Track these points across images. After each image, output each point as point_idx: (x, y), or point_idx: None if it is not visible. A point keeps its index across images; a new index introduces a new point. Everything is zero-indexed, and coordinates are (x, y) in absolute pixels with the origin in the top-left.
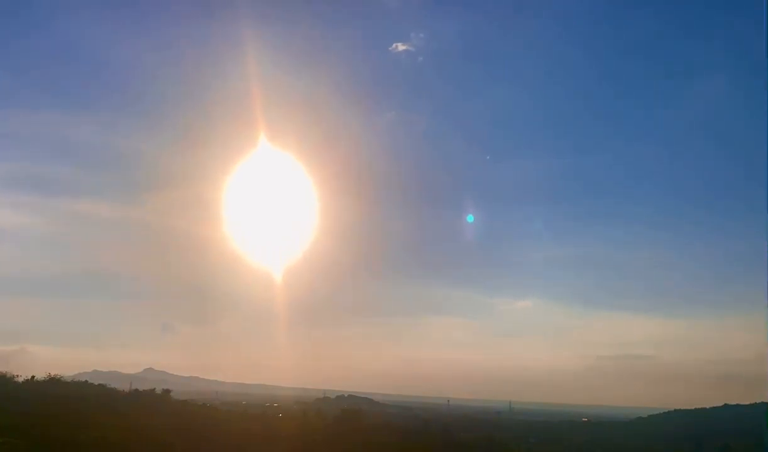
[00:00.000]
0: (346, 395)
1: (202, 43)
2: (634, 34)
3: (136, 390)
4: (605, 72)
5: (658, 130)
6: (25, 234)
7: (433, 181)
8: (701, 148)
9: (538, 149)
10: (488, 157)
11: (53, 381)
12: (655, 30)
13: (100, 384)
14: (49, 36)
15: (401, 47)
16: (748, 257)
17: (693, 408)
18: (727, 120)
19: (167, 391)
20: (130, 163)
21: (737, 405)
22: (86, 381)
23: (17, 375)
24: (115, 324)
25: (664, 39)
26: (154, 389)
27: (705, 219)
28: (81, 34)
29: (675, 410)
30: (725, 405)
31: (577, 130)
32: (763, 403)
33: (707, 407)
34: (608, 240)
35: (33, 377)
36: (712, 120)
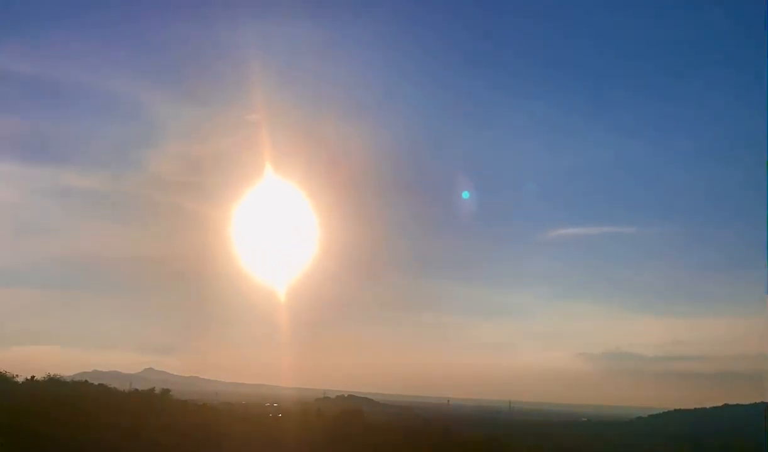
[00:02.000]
0: (346, 395)
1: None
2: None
3: (136, 390)
4: (608, 66)
5: (656, 127)
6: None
7: (436, 185)
8: (700, 144)
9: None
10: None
11: (53, 381)
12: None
13: (100, 384)
14: None
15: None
16: (748, 256)
17: (693, 408)
18: (726, 116)
19: (167, 391)
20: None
21: (737, 405)
22: (86, 381)
23: (16, 375)
24: (114, 321)
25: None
26: (154, 389)
27: (706, 217)
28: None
29: (675, 410)
30: (725, 405)
31: (577, 128)
32: (763, 403)
33: (707, 407)
34: (607, 236)
35: (33, 377)
36: (712, 117)
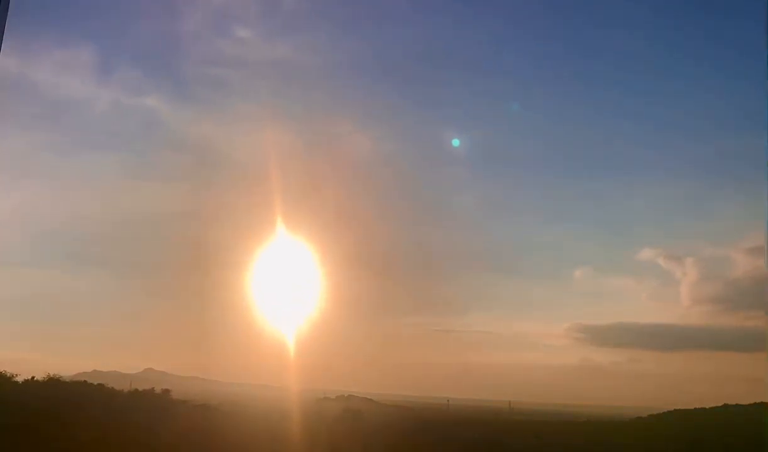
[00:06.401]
0: (346, 395)
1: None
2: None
3: (136, 390)
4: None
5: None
6: None
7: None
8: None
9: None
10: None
11: (53, 381)
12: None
13: (99, 384)
14: None
15: None
16: (748, 254)
17: (693, 408)
18: (725, 115)
19: (167, 391)
20: None
21: (737, 405)
22: (86, 381)
23: (16, 375)
24: (113, 318)
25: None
26: (154, 389)
27: (706, 215)
28: None
29: (675, 410)
30: (725, 405)
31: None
32: (763, 403)
33: (707, 407)
34: (607, 232)
35: (33, 377)
36: (710, 115)
